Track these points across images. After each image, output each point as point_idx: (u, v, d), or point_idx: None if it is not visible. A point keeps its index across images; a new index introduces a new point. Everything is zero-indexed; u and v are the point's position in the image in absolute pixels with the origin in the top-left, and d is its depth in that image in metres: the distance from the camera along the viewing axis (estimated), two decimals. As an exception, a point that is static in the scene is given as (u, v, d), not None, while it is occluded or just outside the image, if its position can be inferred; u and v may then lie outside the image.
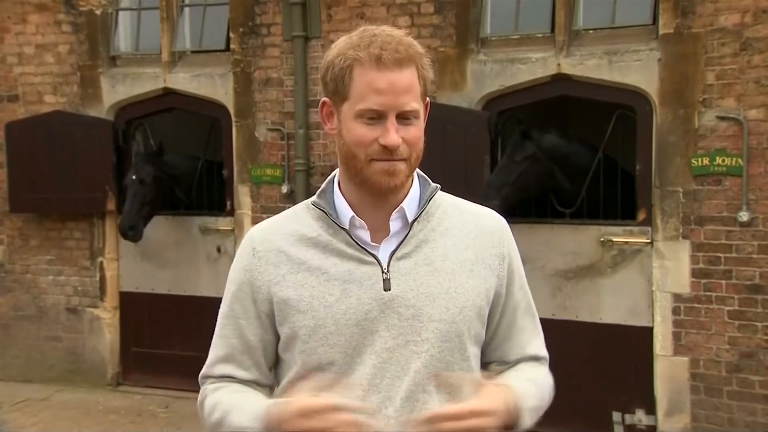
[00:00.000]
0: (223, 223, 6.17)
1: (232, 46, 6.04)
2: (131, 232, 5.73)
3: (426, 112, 1.59)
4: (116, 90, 6.38)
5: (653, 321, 4.98)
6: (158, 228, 6.31)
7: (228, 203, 6.16)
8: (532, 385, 1.62)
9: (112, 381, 6.51)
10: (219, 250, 6.15)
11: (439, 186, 1.64)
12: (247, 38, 5.96)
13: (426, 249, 1.58)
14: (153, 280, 6.41)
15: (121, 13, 6.48)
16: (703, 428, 4.83)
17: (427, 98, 1.59)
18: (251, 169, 5.98)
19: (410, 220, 1.58)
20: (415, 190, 1.61)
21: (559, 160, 5.15)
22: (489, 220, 1.68)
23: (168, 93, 6.28)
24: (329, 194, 1.63)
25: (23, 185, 6.44)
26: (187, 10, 6.35)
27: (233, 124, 6.06)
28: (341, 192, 1.61)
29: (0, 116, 6.62)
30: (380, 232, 1.58)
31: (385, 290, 1.54)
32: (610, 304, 5.13)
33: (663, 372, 4.95)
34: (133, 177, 5.82)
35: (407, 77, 1.50)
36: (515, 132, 5.17)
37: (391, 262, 1.55)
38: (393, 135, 1.49)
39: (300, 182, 5.77)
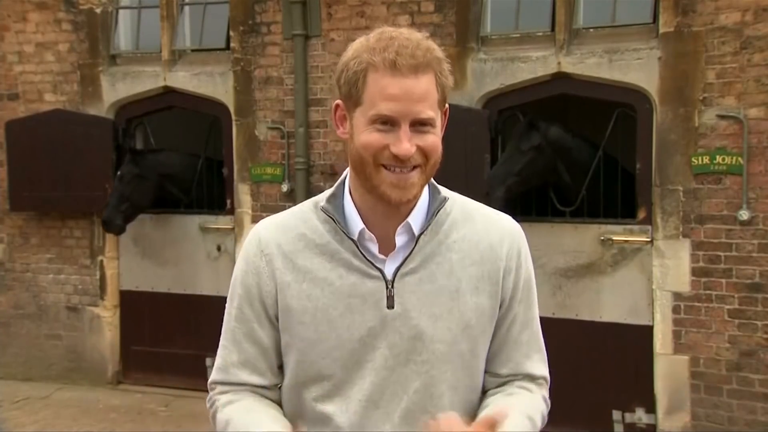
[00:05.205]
0: (223, 221, 6.17)
1: (232, 44, 6.03)
2: (106, 226, 5.92)
3: (445, 119, 1.53)
4: (116, 88, 6.38)
5: (653, 320, 4.98)
6: (158, 226, 6.32)
7: (228, 202, 6.16)
8: (529, 424, 1.55)
9: (112, 379, 6.51)
10: (219, 248, 6.15)
11: (448, 197, 1.58)
12: (248, 37, 5.96)
13: (431, 265, 1.53)
14: (153, 278, 6.41)
15: (121, 11, 6.47)
16: (703, 427, 4.83)
17: (446, 105, 1.51)
18: (251, 167, 5.98)
19: (416, 234, 1.53)
20: (423, 200, 1.55)
21: (563, 153, 5.15)
22: (499, 232, 1.60)
23: (168, 91, 6.28)
24: (339, 199, 1.56)
25: (23, 184, 6.44)
26: (187, 8, 6.35)
27: (233, 122, 6.05)
28: (352, 198, 1.55)
29: (0, 115, 6.62)
30: (389, 242, 1.53)
31: (388, 308, 1.51)
32: (610, 302, 5.13)
33: (663, 370, 4.96)
34: (118, 173, 6.00)
35: (423, 84, 1.43)
36: (521, 122, 5.16)
37: (396, 278, 1.52)
38: (405, 144, 1.42)
39: (300, 181, 5.77)
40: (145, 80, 6.30)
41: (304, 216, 1.59)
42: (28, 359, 6.65)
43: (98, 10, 6.37)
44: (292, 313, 1.53)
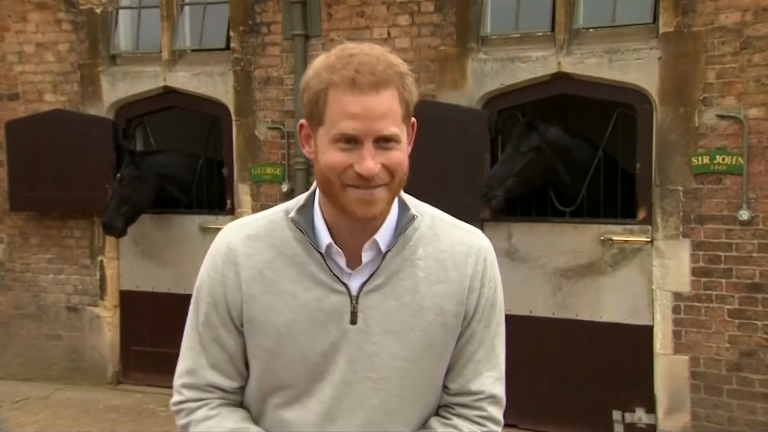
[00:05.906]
0: (223, 221, 6.16)
1: (232, 44, 6.04)
2: (107, 229, 5.94)
3: (412, 133, 1.51)
4: (116, 88, 6.38)
5: (653, 320, 4.98)
6: (158, 227, 6.32)
7: (228, 202, 6.16)
8: None
9: (113, 379, 6.52)
10: (219, 248, 6.14)
11: (417, 216, 1.56)
12: (248, 37, 5.96)
13: (396, 281, 1.52)
14: (153, 278, 6.41)
15: (121, 11, 6.47)
16: (703, 427, 4.83)
17: (412, 119, 1.49)
18: (251, 167, 5.98)
19: (383, 251, 1.52)
20: (392, 217, 1.53)
21: (562, 154, 5.15)
22: (465, 250, 1.58)
23: (168, 91, 6.28)
24: (309, 211, 1.55)
25: (23, 184, 6.44)
26: (187, 8, 6.35)
27: (233, 122, 6.06)
28: (321, 211, 1.54)
29: (0, 115, 6.62)
30: (356, 256, 1.52)
31: (351, 323, 1.50)
32: (610, 302, 5.13)
33: (663, 371, 4.96)
34: (117, 176, 6.00)
35: (385, 101, 1.40)
36: (520, 123, 5.17)
37: (361, 294, 1.51)
38: (369, 162, 1.40)
39: (300, 181, 5.77)
40: (145, 80, 6.30)
41: (273, 225, 1.57)
42: (28, 359, 6.65)
43: (98, 10, 6.37)
44: (256, 324, 1.54)
